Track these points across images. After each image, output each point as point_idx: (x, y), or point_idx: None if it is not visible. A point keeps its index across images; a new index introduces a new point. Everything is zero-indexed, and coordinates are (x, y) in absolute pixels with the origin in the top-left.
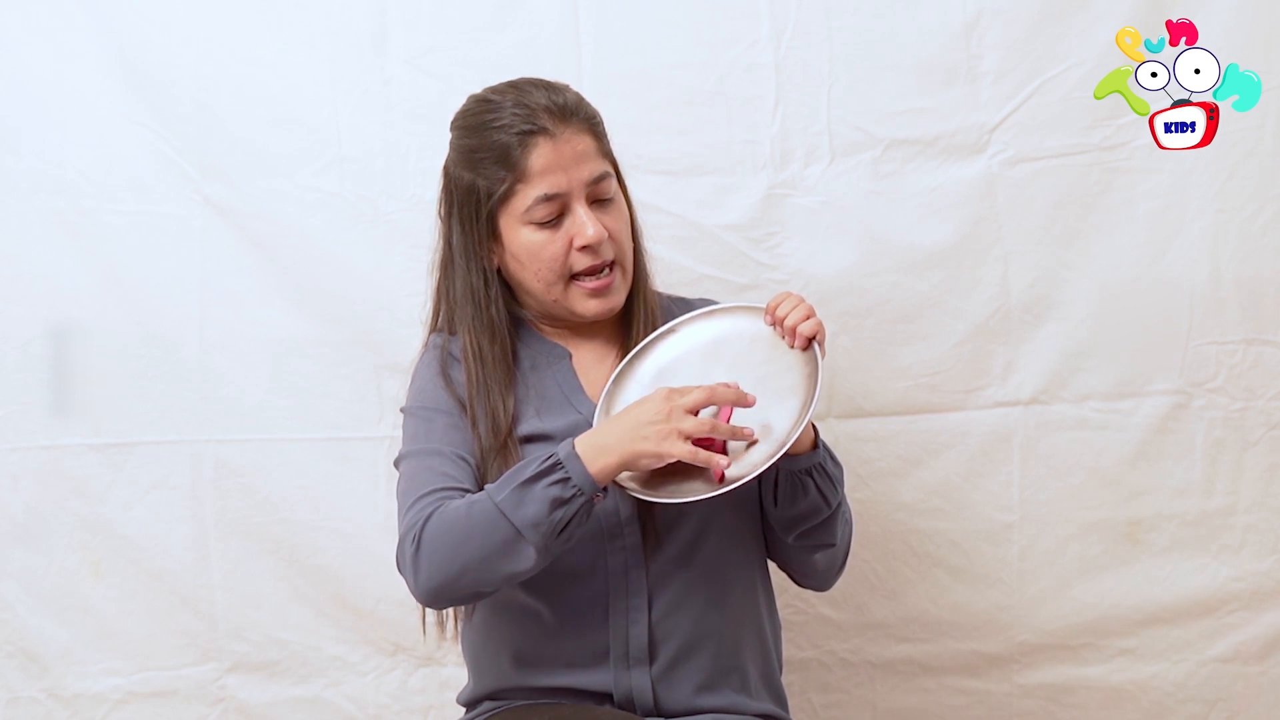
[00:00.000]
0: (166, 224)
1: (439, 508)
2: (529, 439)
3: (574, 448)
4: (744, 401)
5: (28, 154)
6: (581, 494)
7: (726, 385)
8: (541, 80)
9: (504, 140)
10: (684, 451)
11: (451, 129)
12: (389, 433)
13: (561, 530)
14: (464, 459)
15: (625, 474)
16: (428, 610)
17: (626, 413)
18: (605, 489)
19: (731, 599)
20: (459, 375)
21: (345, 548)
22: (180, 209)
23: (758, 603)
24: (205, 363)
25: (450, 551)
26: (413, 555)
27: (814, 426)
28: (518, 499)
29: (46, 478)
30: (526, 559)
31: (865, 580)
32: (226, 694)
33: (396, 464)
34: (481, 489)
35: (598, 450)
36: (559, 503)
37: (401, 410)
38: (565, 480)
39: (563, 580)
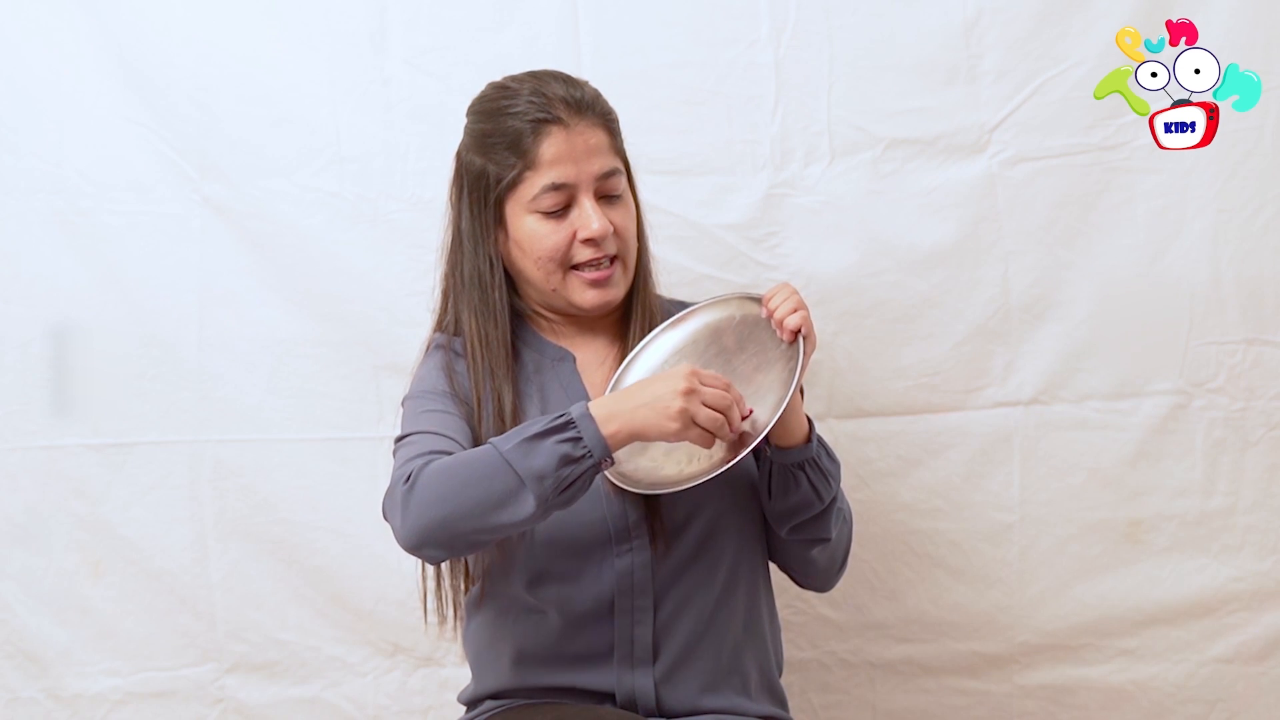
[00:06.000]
0: (165, 224)
1: (437, 458)
2: None
3: (587, 409)
4: (743, 409)
5: (27, 154)
6: (591, 455)
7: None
8: (562, 73)
9: (517, 127)
10: (697, 438)
11: (467, 114)
12: (388, 433)
13: (565, 489)
14: (460, 441)
15: (608, 468)
16: (428, 604)
17: (646, 385)
18: (612, 458)
19: (735, 601)
20: (462, 371)
21: (344, 548)
22: (179, 209)
23: (760, 605)
24: (204, 363)
25: (446, 492)
26: (404, 495)
27: (810, 421)
28: (526, 450)
29: (46, 478)
30: (526, 508)
31: (865, 580)
32: (225, 694)
33: (395, 443)
34: None
35: (610, 415)
36: (568, 460)
37: (402, 402)
38: (577, 439)
39: (570, 581)
